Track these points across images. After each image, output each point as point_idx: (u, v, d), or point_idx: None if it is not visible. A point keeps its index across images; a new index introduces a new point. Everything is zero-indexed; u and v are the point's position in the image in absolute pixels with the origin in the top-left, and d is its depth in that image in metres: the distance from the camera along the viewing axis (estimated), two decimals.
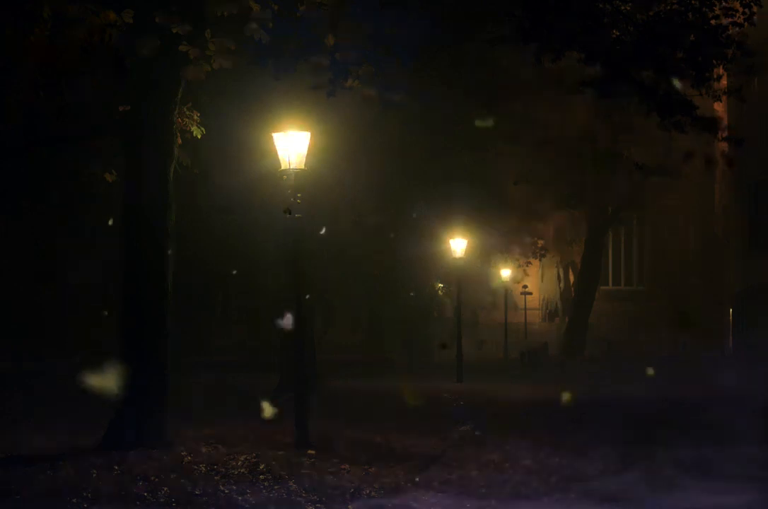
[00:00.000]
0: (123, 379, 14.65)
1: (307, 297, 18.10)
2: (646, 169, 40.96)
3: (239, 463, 13.47)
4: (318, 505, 11.19)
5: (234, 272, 36.01)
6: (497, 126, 34.78)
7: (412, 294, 39.92)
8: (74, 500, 11.04)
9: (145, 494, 11.43)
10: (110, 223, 22.84)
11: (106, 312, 28.90)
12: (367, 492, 11.95)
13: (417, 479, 12.93)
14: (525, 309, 52.93)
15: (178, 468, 12.95)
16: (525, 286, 52.03)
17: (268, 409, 14.40)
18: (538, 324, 56.86)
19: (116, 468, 12.77)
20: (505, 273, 48.83)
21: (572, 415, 21.24)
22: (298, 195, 15.03)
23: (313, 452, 14.48)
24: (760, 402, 21.40)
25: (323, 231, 23.73)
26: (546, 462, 14.46)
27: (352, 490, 11.99)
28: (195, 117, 15.51)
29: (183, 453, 14.05)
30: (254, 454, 14.18)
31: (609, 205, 47.52)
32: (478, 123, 29.02)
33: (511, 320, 48.58)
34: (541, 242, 45.91)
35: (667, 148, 37.00)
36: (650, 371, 34.67)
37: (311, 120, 15.69)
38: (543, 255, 46.32)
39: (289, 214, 14.79)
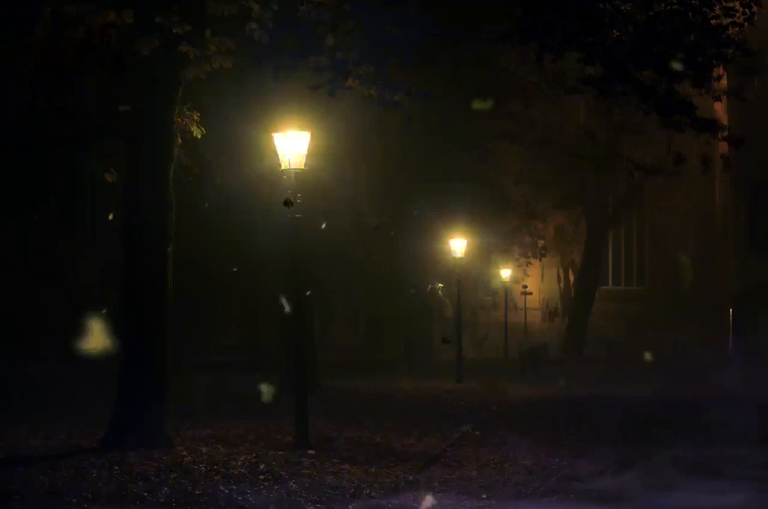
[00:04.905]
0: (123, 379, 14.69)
1: (307, 295, 18.09)
2: (646, 169, 41.16)
3: (239, 463, 13.46)
4: (318, 505, 11.18)
5: (234, 271, 36.00)
6: (497, 126, 34.84)
7: (412, 292, 39.88)
8: (74, 500, 11.03)
9: (145, 494, 11.42)
10: (110, 217, 22.71)
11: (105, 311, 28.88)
12: (367, 492, 11.94)
13: (417, 479, 12.93)
14: (525, 309, 52.91)
15: (178, 468, 12.94)
16: (525, 286, 52.01)
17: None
18: (538, 324, 56.81)
19: (116, 468, 12.75)
20: (505, 273, 48.81)
21: (573, 415, 21.25)
22: (298, 195, 15.03)
23: (313, 452, 14.47)
24: (759, 403, 21.41)
25: (323, 226, 23.65)
26: (546, 463, 14.47)
27: (352, 490, 11.98)
28: (195, 117, 15.50)
29: (183, 453, 14.04)
30: (254, 454, 14.17)
31: (609, 204, 47.56)
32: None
33: (511, 320, 48.54)
34: (541, 242, 45.92)
35: (667, 147, 37.01)
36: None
37: (311, 120, 15.68)
38: (543, 255, 46.32)
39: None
